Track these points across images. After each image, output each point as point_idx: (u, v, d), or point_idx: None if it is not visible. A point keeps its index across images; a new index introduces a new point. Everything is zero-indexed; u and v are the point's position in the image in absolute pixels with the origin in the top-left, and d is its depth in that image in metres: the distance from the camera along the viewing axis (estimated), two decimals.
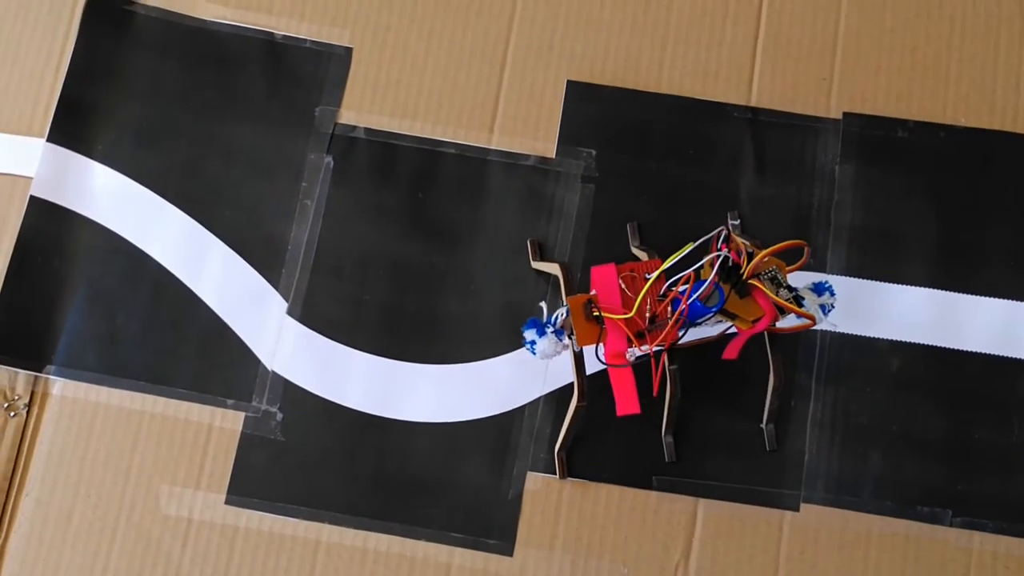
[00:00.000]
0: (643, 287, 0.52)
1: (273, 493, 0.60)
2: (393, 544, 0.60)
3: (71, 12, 0.67)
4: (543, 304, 0.57)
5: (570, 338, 0.54)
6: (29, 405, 0.62)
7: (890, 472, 0.59)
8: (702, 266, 0.52)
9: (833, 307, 0.54)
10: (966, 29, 0.66)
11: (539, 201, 0.64)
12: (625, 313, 0.51)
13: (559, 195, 0.64)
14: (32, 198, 0.64)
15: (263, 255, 0.64)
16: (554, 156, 0.64)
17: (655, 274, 0.52)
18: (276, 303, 0.63)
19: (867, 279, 0.62)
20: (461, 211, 0.64)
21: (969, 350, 0.61)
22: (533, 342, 0.53)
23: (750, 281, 0.52)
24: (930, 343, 0.61)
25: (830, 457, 0.60)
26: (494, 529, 0.59)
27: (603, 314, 0.52)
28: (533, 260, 0.62)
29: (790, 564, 0.59)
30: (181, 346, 0.63)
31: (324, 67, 0.66)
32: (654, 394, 0.53)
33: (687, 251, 0.52)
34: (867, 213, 0.63)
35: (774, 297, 0.52)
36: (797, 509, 0.59)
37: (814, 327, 0.54)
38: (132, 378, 0.62)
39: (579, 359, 0.55)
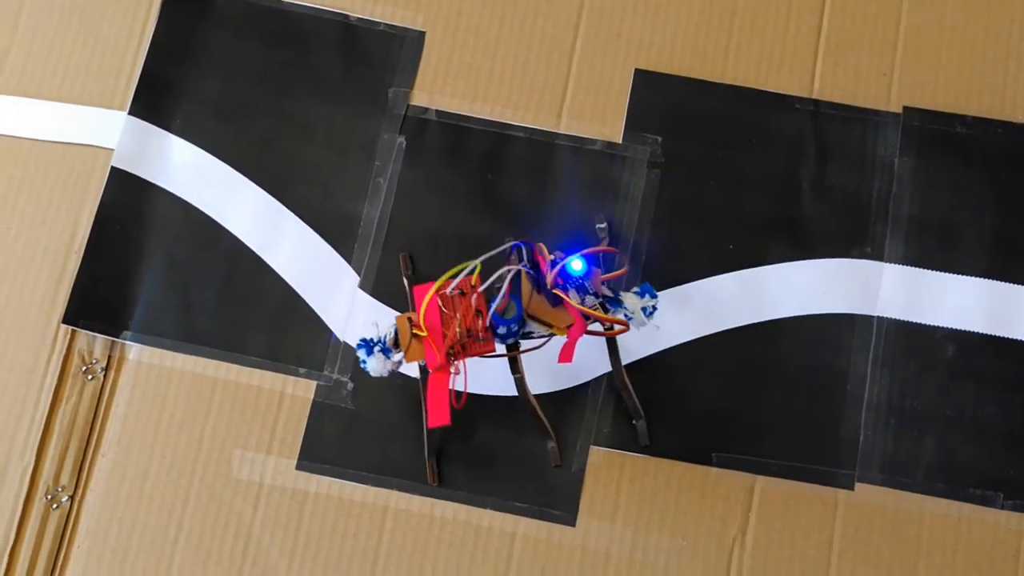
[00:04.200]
0: (463, 302, 0.54)
1: (343, 460, 0.62)
2: (459, 512, 0.62)
3: None
4: (376, 323, 0.58)
5: (399, 359, 0.56)
6: (106, 369, 0.64)
7: (943, 455, 0.61)
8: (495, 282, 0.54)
9: (656, 309, 0.56)
10: None
11: (605, 185, 0.66)
12: (444, 331, 0.54)
13: (625, 180, 0.66)
14: (113, 169, 0.66)
15: (336, 230, 0.66)
16: (621, 141, 0.66)
17: (429, 294, 0.54)
18: (348, 277, 0.65)
19: (924, 268, 0.64)
20: (528, 193, 0.66)
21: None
22: (364, 361, 0.56)
23: (554, 291, 0.54)
24: (985, 332, 0.63)
25: (885, 439, 0.62)
26: (558, 500, 0.61)
27: (415, 332, 0.55)
28: (404, 273, 0.64)
29: (844, 541, 0.61)
30: (254, 316, 0.65)
31: (397, 50, 0.68)
32: (458, 407, 0.54)
33: (470, 268, 0.54)
34: (925, 205, 0.65)
35: (577, 305, 0.54)
36: (852, 488, 0.61)
37: (636, 328, 0.56)
38: (206, 345, 0.64)
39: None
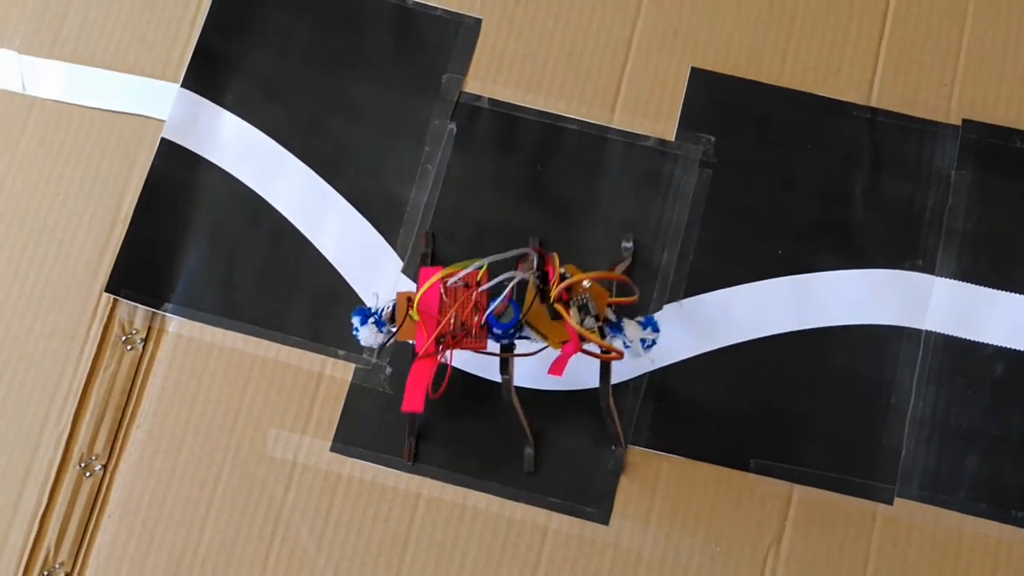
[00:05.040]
0: (463, 295, 0.54)
1: (378, 444, 0.62)
2: (492, 504, 0.61)
3: None
4: (377, 293, 0.59)
5: (391, 331, 0.56)
6: (146, 340, 0.64)
7: (986, 475, 0.60)
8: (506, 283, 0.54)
9: (655, 343, 0.55)
10: None
11: (655, 182, 0.65)
12: (438, 318, 0.54)
13: (676, 178, 0.65)
14: (163, 140, 0.66)
15: (382, 214, 0.65)
16: (673, 139, 0.66)
17: (431, 280, 0.54)
18: (392, 261, 0.64)
19: (976, 284, 0.63)
20: (577, 186, 0.65)
21: None
22: (357, 329, 0.56)
23: (556, 305, 0.53)
24: None
25: (927, 455, 0.61)
26: (592, 498, 0.61)
27: (411, 314, 0.54)
28: (422, 250, 0.64)
29: (881, 555, 0.60)
30: (296, 294, 0.64)
31: (452, 36, 0.68)
32: (433, 395, 0.54)
33: (478, 264, 0.54)
34: (980, 220, 0.64)
35: (573, 323, 0.53)
36: (891, 503, 0.60)
37: (632, 358, 0.55)
38: (247, 322, 0.64)
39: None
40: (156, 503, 0.62)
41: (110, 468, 0.63)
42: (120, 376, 0.64)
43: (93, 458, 0.63)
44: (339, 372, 0.63)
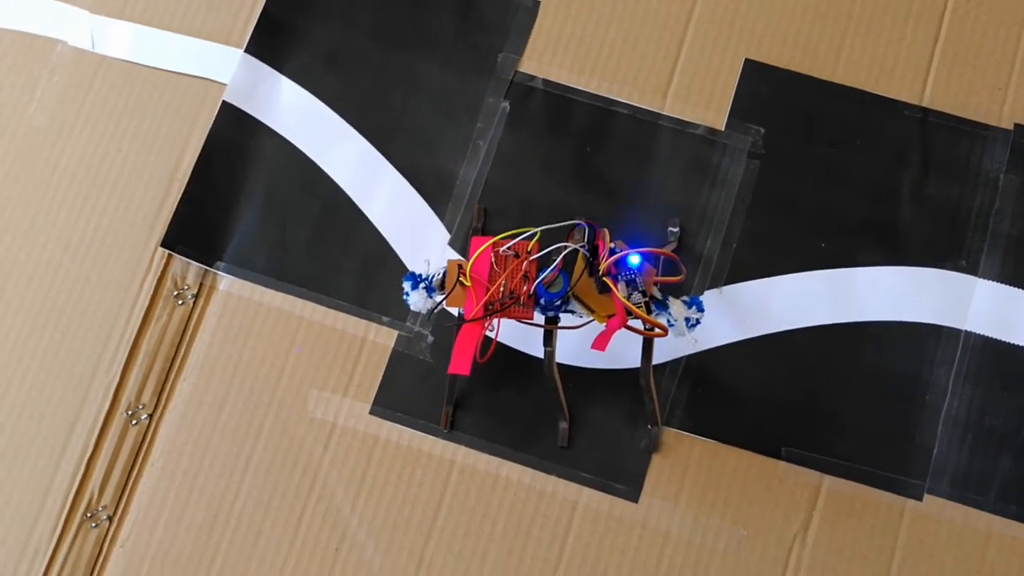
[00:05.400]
0: (513, 263, 0.55)
1: (416, 410, 0.63)
2: (524, 475, 0.62)
3: None
4: (428, 260, 0.60)
5: (441, 298, 0.58)
6: (196, 296, 0.66)
7: (1018, 477, 0.60)
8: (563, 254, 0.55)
9: (699, 322, 0.56)
10: None
11: (703, 170, 0.66)
12: (488, 286, 0.55)
13: (724, 167, 0.66)
14: (224, 103, 0.68)
15: (432, 186, 0.67)
16: (723, 129, 0.66)
17: (483, 247, 0.55)
18: (440, 233, 0.66)
19: (1019, 288, 0.63)
20: (625, 170, 0.66)
21: None
22: (407, 293, 0.58)
23: (604, 279, 0.54)
24: None
25: (959, 453, 0.61)
26: (624, 475, 0.62)
27: (462, 280, 0.56)
28: (473, 224, 0.65)
29: (907, 550, 0.60)
30: (345, 260, 0.66)
31: (512, 16, 0.69)
32: (481, 360, 0.56)
33: (530, 233, 0.55)
34: None
35: (621, 297, 0.54)
36: (920, 499, 0.60)
37: (675, 336, 0.56)
38: (295, 284, 0.65)
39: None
40: (198, 454, 0.64)
41: (156, 418, 0.64)
42: (170, 330, 0.66)
43: (140, 407, 0.65)
44: (382, 338, 0.65)
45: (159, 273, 0.66)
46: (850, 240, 0.64)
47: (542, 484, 0.62)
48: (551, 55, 0.68)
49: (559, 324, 0.57)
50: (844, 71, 0.67)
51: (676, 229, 0.64)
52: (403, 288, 0.58)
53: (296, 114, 0.68)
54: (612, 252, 0.55)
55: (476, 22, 0.69)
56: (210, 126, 0.67)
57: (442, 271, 0.58)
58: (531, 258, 0.55)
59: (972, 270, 0.64)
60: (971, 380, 0.62)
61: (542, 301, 0.56)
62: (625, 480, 0.62)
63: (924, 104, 0.66)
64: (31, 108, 0.69)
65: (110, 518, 0.63)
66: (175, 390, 0.65)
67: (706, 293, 0.64)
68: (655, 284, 0.57)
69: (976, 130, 0.66)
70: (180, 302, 0.66)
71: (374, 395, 0.64)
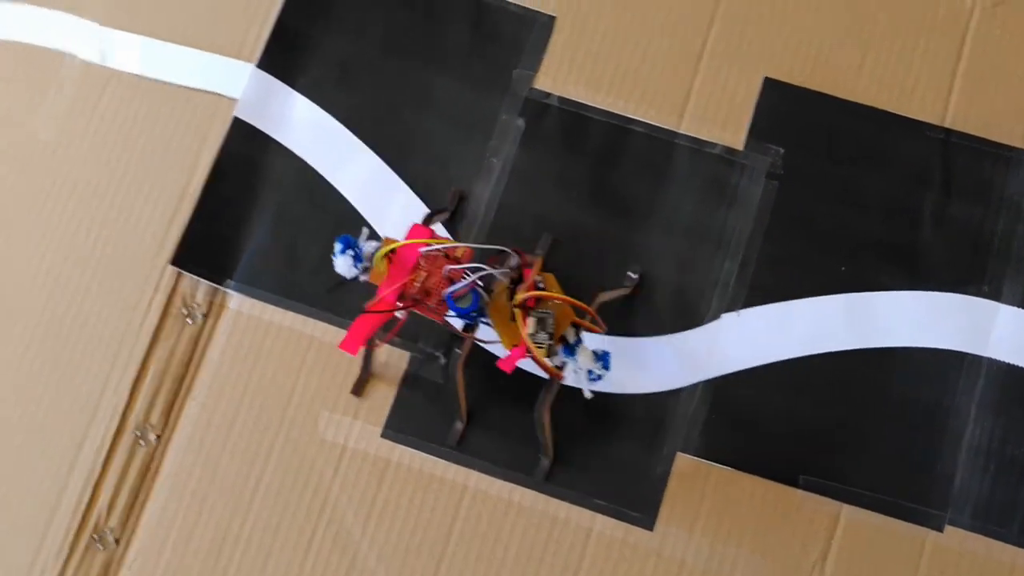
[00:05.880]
0: (440, 263, 0.56)
1: (428, 434, 0.62)
2: (538, 501, 0.61)
3: None
4: (366, 228, 0.59)
5: (367, 268, 0.57)
6: (206, 315, 0.65)
7: None
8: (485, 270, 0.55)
9: (600, 378, 0.55)
10: None
11: (721, 190, 0.65)
12: (410, 274, 0.55)
13: (742, 187, 0.65)
14: (236, 119, 0.67)
15: (446, 205, 0.66)
16: (741, 148, 0.65)
17: (421, 240, 0.55)
18: None
19: None
20: (641, 189, 0.65)
21: None
22: (335, 255, 0.57)
23: (515, 309, 0.54)
24: None
25: (981, 484, 0.60)
26: (638, 502, 0.60)
27: (385, 261, 0.56)
28: (446, 205, 0.64)
29: None
30: (357, 280, 0.65)
31: (526, 32, 0.68)
32: (375, 346, 0.58)
33: (462, 246, 0.56)
34: None
35: (524, 334, 0.54)
36: (941, 530, 0.59)
37: (574, 382, 0.55)
38: (306, 303, 0.64)
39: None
40: (207, 476, 0.63)
41: (164, 438, 0.64)
42: (179, 349, 0.65)
43: (148, 427, 0.64)
44: (393, 359, 0.64)
45: (168, 291, 0.65)
46: (870, 263, 0.63)
47: (555, 510, 0.61)
48: (566, 72, 0.67)
49: (473, 334, 0.57)
50: (865, 90, 0.66)
51: (635, 276, 0.63)
52: (333, 248, 0.57)
53: (308, 130, 0.67)
54: (537, 286, 0.55)
55: (490, 37, 0.68)
56: (221, 142, 0.66)
57: (375, 245, 0.57)
58: (455, 267, 0.55)
59: (994, 296, 0.62)
60: (993, 408, 0.61)
61: (452, 310, 0.56)
62: (640, 507, 0.61)
63: (946, 125, 0.65)
64: (38, 122, 0.68)
65: (117, 540, 0.62)
66: (184, 410, 0.64)
67: (723, 316, 0.63)
68: (574, 325, 0.56)
69: (1000, 152, 0.64)
70: (190, 321, 0.65)
71: (386, 417, 0.63)
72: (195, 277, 0.65)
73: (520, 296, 0.54)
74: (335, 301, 0.64)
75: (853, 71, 0.66)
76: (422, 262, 0.56)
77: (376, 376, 0.63)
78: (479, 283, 0.55)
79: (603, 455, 0.62)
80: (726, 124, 0.66)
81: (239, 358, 0.64)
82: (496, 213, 0.65)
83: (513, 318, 0.55)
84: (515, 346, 0.55)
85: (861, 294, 0.63)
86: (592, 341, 0.56)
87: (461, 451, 0.62)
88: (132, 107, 0.68)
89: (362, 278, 0.58)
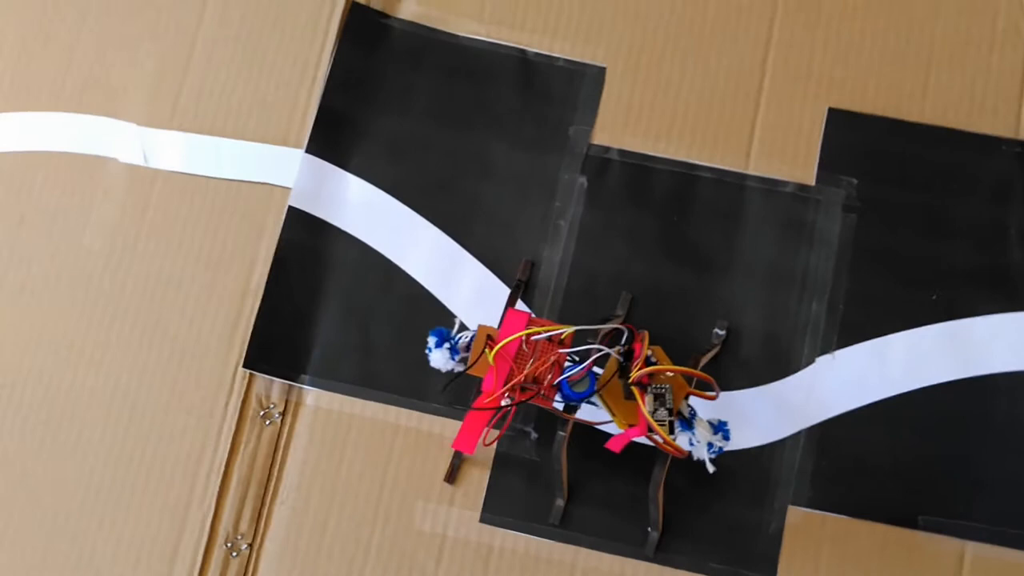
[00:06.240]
0: (544, 348, 0.53)
1: (528, 513, 0.60)
2: (651, 572, 0.59)
3: (327, 24, 0.67)
4: (458, 319, 0.58)
5: (464, 360, 0.56)
6: (283, 414, 0.63)
7: None
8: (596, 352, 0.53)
9: (722, 450, 0.54)
10: None
11: (799, 229, 0.63)
12: (512, 366, 0.53)
13: (820, 224, 0.63)
14: (291, 208, 0.65)
15: (516, 272, 0.64)
16: (814, 184, 0.63)
17: (519, 333, 0.53)
18: None
19: None
20: (716, 236, 0.63)
21: None
22: (430, 349, 0.56)
23: (633, 387, 0.52)
24: None
25: None
26: (756, 561, 0.59)
27: (488, 353, 0.53)
28: (518, 277, 0.62)
29: None
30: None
31: (577, 86, 0.66)
32: (485, 443, 0.54)
33: (565, 331, 0.53)
34: None
35: (645, 412, 0.52)
36: None
37: (693, 458, 0.54)
38: (386, 391, 0.62)
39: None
40: None
41: (256, 547, 0.61)
42: (260, 452, 0.63)
43: (239, 537, 0.62)
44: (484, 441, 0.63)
45: (243, 394, 0.63)
46: (962, 289, 0.61)
47: None
48: (623, 124, 0.65)
49: (575, 415, 0.55)
50: (932, 110, 0.64)
51: (722, 332, 0.61)
52: (428, 342, 0.56)
53: (366, 211, 0.65)
54: (648, 361, 0.53)
55: (541, 95, 0.66)
56: (278, 233, 0.64)
57: (470, 335, 0.56)
58: (562, 351, 0.53)
59: None
60: None
61: (566, 394, 0.53)
62: (758, 567, 0.58)
63: (1021, 137, 0.63)
64: (88, 233, 0.65)
65: None
66: (273, 515, 0.62)
67: (817, 360, 0.61)
68: (686, 397, 0.54)
69: None
70: (268, 422, 0.63)
71: (483, 501, 0.61)
72: (267, 376, 0.63)
73: (636, 373, 0.52)
74: (418, 385, 0.61)
75: (918, 93, 0.65)
76: (526, 348, 0.54)
77: (466, 459, 0.62)
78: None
79: (713, 517, 0.60)
80: (795, 160, 0.64)
81: (324, 455, 0.62)
82: (569, 276, 0.63)
83: (627, 396, 0.53)
84: (630, 426, 0.53)
85: (956, 322, 0.61)
86: (703, 410, 0.55)
87: (565, 529, 0.60)
88: (182, 207, 0.66)
89: (456, 369, 0.56)
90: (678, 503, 0.60)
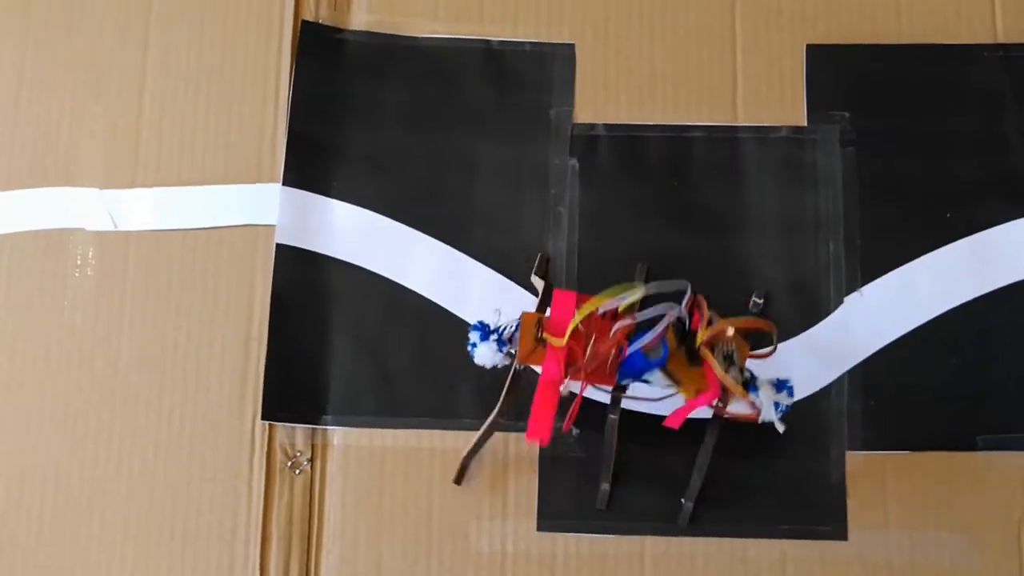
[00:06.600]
0: (599, 323, 0.51)
1: (584, 512, 0.58)
2: (723, 546, 0.57)
3: (278, 49, 0.64)
4: (499, 309, 0.55)
5: (511, 353, 0.53)
6: (312, 460, 0.60)
7: None
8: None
9: (789, 408, 0.52)
10: None
11: (800, 172, 0.61)
12: (573, 347, 0.50)
13: (820, 163, 0.61)
14: (278, 246, 0.61)
15: (523, 269, 0.61)
16: (806, 124, 0.62)
17: (588, 307, 0.50)
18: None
19: None
20: (719, 195, 0.62)
21: None
22: (474, 344, 0.53)
23: (703, 350, 0.50)
24: None
25: None
26: (824, 516, 0.57)
27: (546, 337, 0.51)
28: (535, 274, 0.60)
29: None
30: (457, 375, 0.60)
31: (549, 68, 0.63)
32: (564, 431, 0.52)
33: (635, 295, 0.50)
34: None
35: (721, 373, 0.50)
36: None
37: (759, 420, 0.52)
38: (413, 415, 0.60)
39: (516, 377, 0.53)
40: None
41: None
42: (296, 504, 0.59)
43: None
44: (523, 446, 0.59)
45: (266, 447, 0.59)
46: (974, 202, 0.60)
47: (742, 550, 0.57)
48: (603, 98, 0.63)
49: (625, 392, 0.53)
50: (910, 30, 0.63)
51: (760, 300, 0.59)
52: (469, 339, 0.53)
53: (357, 235, 0.62)
54: (710, 322, 0.50)
55: (514, 84, 0.64)
56: (271, 275, 0.61)
57: (515, 323, 0.53)
58: (630, 320, 0.50)
59: None
60: None
61: (632, 366, 0.51)
62: (828, 520, 0.57)
63: (1000, 40, 0.63)
64: (66, 309, 0.61)
65: None
66: (322, 568, 0.58)
67: (846, 300, 0.59)
68: (746, 359, 0.52)
69: None
70: (297, 471, 0.60)
71: (536, 508, 0.59)
72: (288, 424, 0.60)
73: (705, 334, 0.49)
74: (445, 404, 0.59)
75: (892, 15, 0.63)
76: (581, 327, 0.51)
77: (510, 467, 0.60)
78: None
79: (773, 479, 0.58)
80: (783, 104, 0.62)
81: (362, 494, 0.59)
82: (579, 262, 0.61)
83: (692, 362, 0.50)
84: (699, 391, 0.50)
85: (976, 236, 0.60)
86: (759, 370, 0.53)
87: (616, 515, 0.57)
88: (162, 266, 0.62)
89: (503, 364, 0.53)
90: (735, 470, 0.58)
